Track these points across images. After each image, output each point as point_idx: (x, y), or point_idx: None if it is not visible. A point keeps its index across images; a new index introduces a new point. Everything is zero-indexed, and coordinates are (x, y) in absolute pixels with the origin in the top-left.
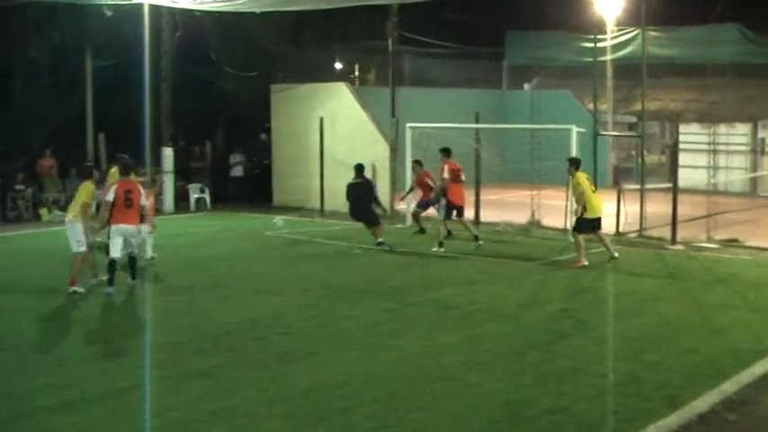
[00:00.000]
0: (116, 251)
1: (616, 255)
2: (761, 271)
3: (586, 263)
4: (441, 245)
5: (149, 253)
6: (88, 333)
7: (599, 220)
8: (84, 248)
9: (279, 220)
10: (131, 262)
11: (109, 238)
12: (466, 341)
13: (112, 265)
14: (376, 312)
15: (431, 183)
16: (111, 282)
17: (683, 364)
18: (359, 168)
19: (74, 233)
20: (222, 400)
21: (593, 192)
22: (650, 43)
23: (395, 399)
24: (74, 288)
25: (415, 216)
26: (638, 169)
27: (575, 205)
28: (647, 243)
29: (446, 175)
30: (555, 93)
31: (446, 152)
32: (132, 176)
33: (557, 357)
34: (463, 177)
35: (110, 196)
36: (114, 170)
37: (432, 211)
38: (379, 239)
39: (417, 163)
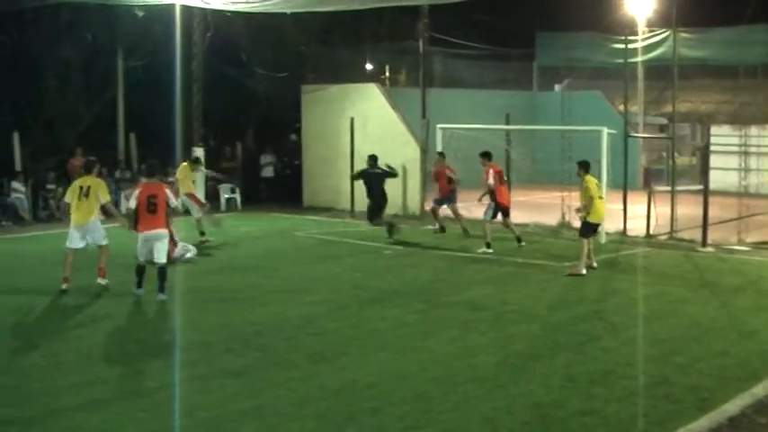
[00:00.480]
0: (142, 256)
1: (595, 265)
2: None
3: (584, 272)
4: (489, 245)
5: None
6: (118, 332)
7: (598, 225)
8: (106, 241)
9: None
10: (160, 273)
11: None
12: (496, 342)
13: (139, 269)
14: (406, 313)
15: (452, 175)
16: (139, 284)
17: (714, 366)
18: (375, 158)
19: (98, 229)
20: (253, 400)
21: (600, 198)
22: (681, 44)
23: (425, 399)
24: (105, 280)
25: (434, 213)
26: (669, 171)
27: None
28: (677, 245)
29: (491, 180)
30: (585, 94)
31: (487, 156)
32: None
33: (587, 359)
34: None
35: (132, 203)
36: (185, 164)
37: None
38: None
39: (441, 155)
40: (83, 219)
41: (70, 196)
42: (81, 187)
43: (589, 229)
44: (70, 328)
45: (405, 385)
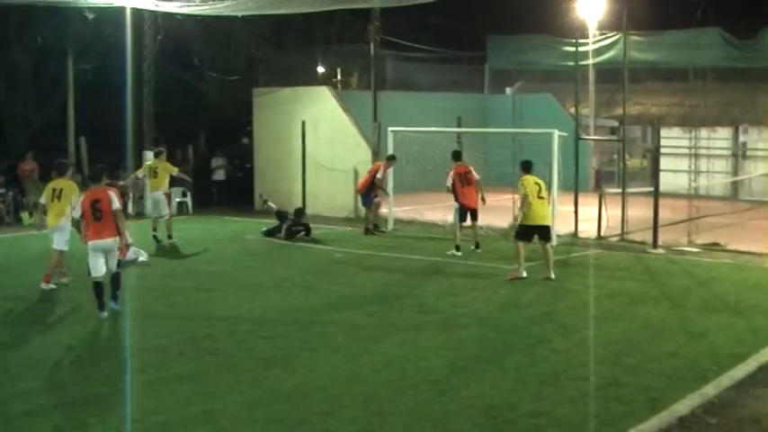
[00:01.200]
0: (98, 270)
1: (552, 276)
2: (741, 274)
3: (524, 275)
4: (458, 248)
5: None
6: (70, 337)
7: (546, 229)
8: (66, 248)
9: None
10: (114, 280)
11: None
12: (448, 345)
13: (98, 288)
14: (358, 316)
15: (379, 176)
16: (101, 306)
17: (664, 367)
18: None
19: (64, 232)
20: (204, 404)
21: (540, 198)
22: (632, 47)
23: (376, 402)
24: (49, 285)
25: (367, 215)
26: (620, 173)
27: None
28: (628, 247)
29: (449, 182)
30: (537, 97)
31: (455, 156)
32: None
33: (538, 361)
34: (477, 176)
35: (76, 211)
36: (149, 163)
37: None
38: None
39: (391, 157)
40: (54, 220)
41: (45, 198)
42: (54, 189)
43: (523, 232)
44: (21, 333)
45: (356, 388)
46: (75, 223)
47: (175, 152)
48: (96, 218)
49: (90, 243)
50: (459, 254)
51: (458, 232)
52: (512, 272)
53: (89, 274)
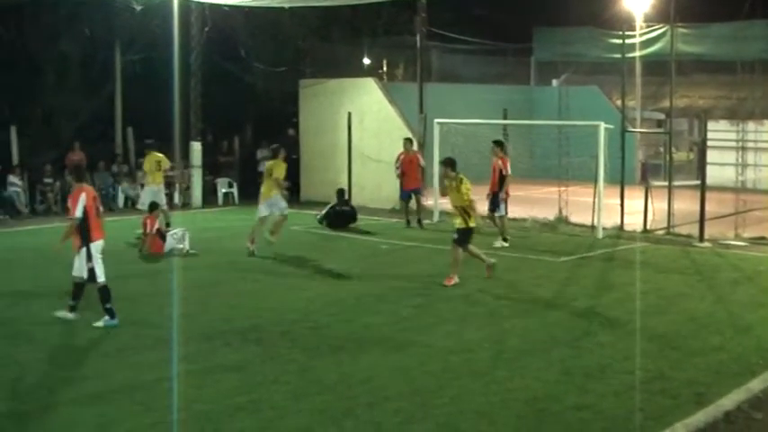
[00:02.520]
0: (83, 271)
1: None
2: None
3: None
4: (506, 240)
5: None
6: (115, 326)
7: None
8: (287, 212)
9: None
10: (103, 293)
11: (90, 259)
12: (492, 337)
13: (106, 293)
14: (402, 307)
15: (397, 166)
16: (112, 313)
17: (710, 361)
18: (343, 192)
19: (279, 201)
20: (249, 394)
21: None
22: (679, 40)
23: (421, 394)
24: (252, 247)
25: (414, 209)
26: (666, 166)
27: (463, 211)
28: (674, 240)
29: (509, 171)
30: (583, 89)
31: (500, 145)
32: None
33: (583, 354)
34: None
35: (79, 211)
36: (150, 156)
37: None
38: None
39: (409, 141)
40: (268, 193)
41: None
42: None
43: (469, 235)
44: (67, 321)
45: (401, 379)
46: (74, 225)
47: (222, 143)
48: (98, 215)
49: (97, 243)
50: (507, 245)
51: (506, 223)
52: (447, 278)
53: (91, 279)
